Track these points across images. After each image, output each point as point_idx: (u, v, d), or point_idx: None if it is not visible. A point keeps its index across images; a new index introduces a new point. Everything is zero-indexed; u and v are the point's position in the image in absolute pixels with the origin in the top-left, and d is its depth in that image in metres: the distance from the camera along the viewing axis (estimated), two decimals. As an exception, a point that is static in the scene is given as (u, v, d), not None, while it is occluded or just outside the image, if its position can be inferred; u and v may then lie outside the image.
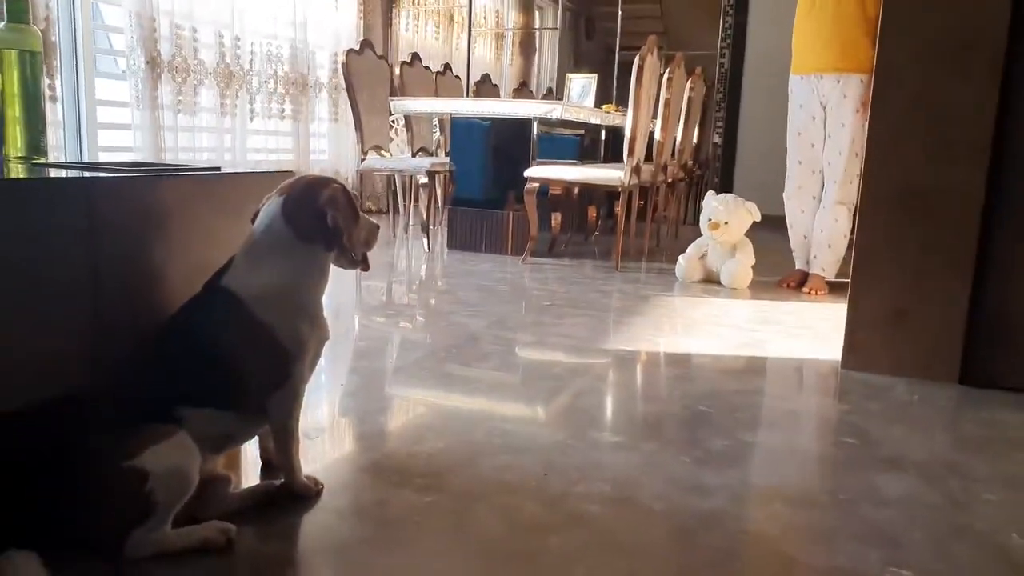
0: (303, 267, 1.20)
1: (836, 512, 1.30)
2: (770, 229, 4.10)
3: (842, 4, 3.14)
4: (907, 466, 1.50)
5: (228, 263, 1.18)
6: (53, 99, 3.22)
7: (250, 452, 1.42)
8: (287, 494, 1.25)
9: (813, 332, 2.65)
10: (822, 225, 3.37)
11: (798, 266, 3.56)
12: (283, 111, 5.00)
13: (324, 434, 1.58)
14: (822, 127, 3.30)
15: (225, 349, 1.13)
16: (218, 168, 1.43)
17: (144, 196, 1.18)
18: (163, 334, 1.16)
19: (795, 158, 3.44)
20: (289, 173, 1.25)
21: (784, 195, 3.52)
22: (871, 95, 2.13)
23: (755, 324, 2.75)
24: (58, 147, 3.35)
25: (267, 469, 1.37)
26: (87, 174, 1.19)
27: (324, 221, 1.18)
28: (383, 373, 2.03)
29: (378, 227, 1.30)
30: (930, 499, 1.36)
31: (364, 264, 1.29)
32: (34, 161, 1.30)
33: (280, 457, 1.25)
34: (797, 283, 3.52)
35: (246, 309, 1.14)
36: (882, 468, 1.49)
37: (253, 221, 1.21)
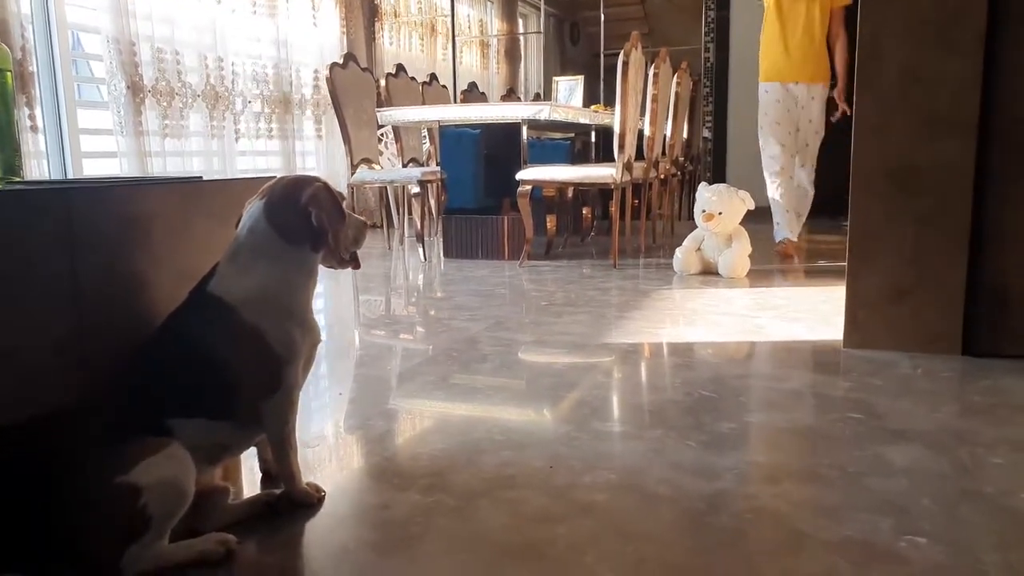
0: (290, 269, 1.18)
1: (844, 485, 1.28)
2: (765, 218, 4.11)
3: (808, 26, 3.94)
4: (913, 437, 1.49)
5: (213, 270, 1.17)
6: (34, 129, 3.21)
7: (249, 462, 1.41)
8: (288, 503, 1.24)
9: (813, 315, 2.63)
10: (798, 197, 4.10)
11: (780, 238, 4.13)
12: (270, 130, 5.00)
13: (325, 441, 1.56)
14: (797, 118, 4.04)
15: (215, 356, 1.12)
16: (199, 177, 1.42)
17: (124, 205, 1.17)
18: (150, 344, 1.15)
19: (778, 143, 4.05)
20: (269, 179, 1.23)
21: (768, 175, 4.08)
22: (857, 72, 2.12)
23: (755, 311, 2.74)
24: (43, 177, 3.35)
25: (267, 479, 1.36)
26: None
27: (308, 220, 1.17)
28: (383, 379, 2.02)
29: (366, 224, 1.29)
30: (938, 467, 1.34)
31: (354, 262, 1.28)
32: (11, 181, 1.29)
33: (278, 466, 1.23)
34: (793, 251, 4.11)
35: (235, 314, 1.13)
36: (889, 440, 1.47)
37: (237, 226, 1.20)
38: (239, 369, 1.13)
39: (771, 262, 3.82)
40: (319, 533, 1.18)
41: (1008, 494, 1.23)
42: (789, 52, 3.99)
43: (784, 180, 4.04)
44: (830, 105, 4.03)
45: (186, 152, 4.20)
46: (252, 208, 1.18)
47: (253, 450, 1.36)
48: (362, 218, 1.29)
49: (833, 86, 4.04)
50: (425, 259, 4.24)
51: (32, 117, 3.20)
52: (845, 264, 2.18)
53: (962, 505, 1.20)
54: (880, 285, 2.13)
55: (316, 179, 1.22)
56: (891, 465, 1.36)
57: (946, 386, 1.83)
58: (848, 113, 3.69)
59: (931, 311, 2.09)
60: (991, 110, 2.01)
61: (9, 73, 1.22)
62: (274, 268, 1.16)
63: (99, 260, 1.13)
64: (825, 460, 1.39)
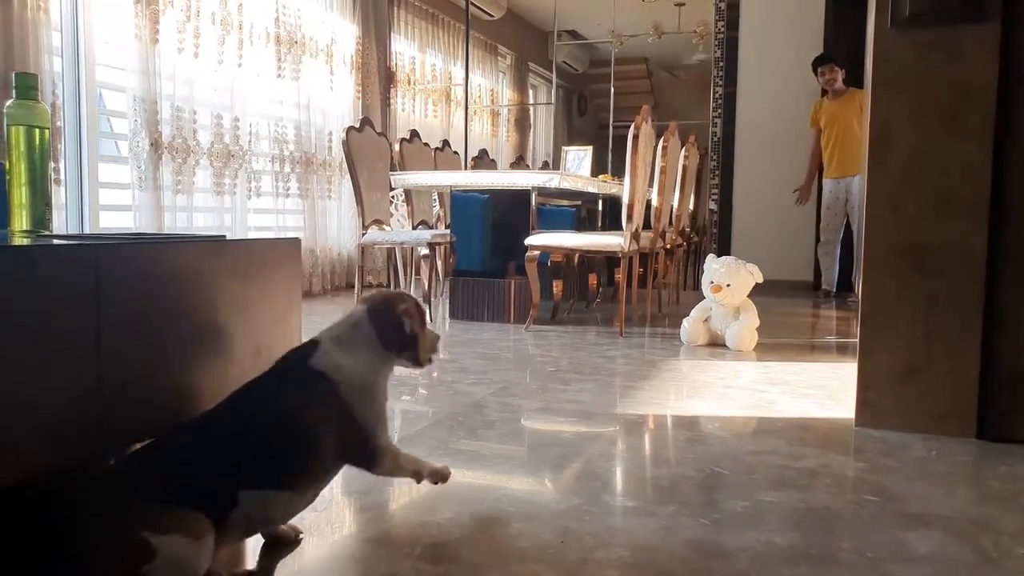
0: (381, 362, 1.33)
1: (866, 571, 1.25)
2: (771, 292, 4.11)
3: (849, 134, 5.44)
4: (933, 522, 1.46)
5: (312, 347, 1.26)
6: (57, 182, 3.27)
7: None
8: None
9: (822, 391, 2.61)
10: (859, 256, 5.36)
11: (824, 286, 5.79)
12: (286, 189, 5.07)
13: (330, 507, 1.53)
14: (844, 205, 5.58)
15: (309, 427, 1.18)
16: (223, 236, 1.43)
17: (150, 262, 1.18)
18: (229, 412, 1.19)
19: (827, 222, 5.68)
20: (294, 240, 1.25)
21: (820, 242, 5.80)
22: (868, 153, 2.16)
23: (764, 385, 2.72)
24: (61, 230, 3.38)
25: (267, 547, 1.32)
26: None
27: (401, 329, 1.33)
28: (389, 444, 1.98)
29: (439, 337, 1.43)
30: (961, 555, 1.31)
31: (429, 365, 1.42)
32: (40, 234, 1.30)
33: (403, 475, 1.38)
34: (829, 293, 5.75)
35: (335, 389, 1.23)
36: (908, 525, 1.44)
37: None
38: (327, 438, 1.21)
39: (779, 336, 3.80)
40: (324, 603, 1.15)
41: (1035, 586, 1.20)
42: (836, 156, 5.54)
43: (829, 249, 5.68)
44: None
45: (197, 208, 4.26)
46: (356, 310, 1.34)
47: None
48: (437, 332, 1.43)
49: None
50: (431, 320, 4.24)
51: (56, 171, 3.26)
52: (852, 340, 2.17)
53: (989, 597, 1.16)
54: (892, 364, 2.12)
55: (409, 296, 1.39)
56: (912, 551, 1.32)
57: (962, 470, 1.80)
58: None
59: (944, 392, 2.07)
60: (1004, 192, 2.03)
61: (47, 131, 1.25)
62: (370, 359, 1.31)
63: (123, 315, 1.12)
64: (844, 543, 1.36)
